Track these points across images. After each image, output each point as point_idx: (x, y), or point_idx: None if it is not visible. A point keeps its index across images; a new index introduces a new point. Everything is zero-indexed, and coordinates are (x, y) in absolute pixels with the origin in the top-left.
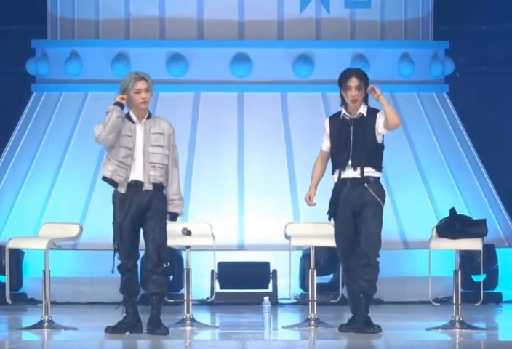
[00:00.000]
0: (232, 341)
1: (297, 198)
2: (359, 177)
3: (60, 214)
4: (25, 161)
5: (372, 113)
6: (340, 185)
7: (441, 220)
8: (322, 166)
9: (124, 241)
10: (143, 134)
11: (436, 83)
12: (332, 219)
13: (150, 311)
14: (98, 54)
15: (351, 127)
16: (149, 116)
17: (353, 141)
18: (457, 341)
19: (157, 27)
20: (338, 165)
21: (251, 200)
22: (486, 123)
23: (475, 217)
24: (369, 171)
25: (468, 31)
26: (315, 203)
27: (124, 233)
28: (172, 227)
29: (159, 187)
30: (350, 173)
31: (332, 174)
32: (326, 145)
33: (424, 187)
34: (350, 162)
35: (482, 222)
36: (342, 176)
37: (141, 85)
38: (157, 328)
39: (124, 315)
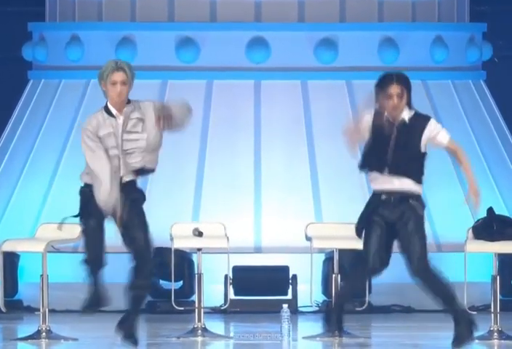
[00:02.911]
0: None
1: (319, 196)
2: (397, 190)
3: (59, 213)
4: (21, 154)
5: (420, 120)
6: (375, 199)
7: (478, 221)
8: None
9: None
10: (123, 124)
11: (473, 70)
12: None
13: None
14: (101, 38)
15: (395, 131)
16: (128, 102)
17: (394, 147)
18: None
19: (165, 8)
20: (373, 168)
21: (269, 198)
22: None
23: None
24: (409, 184)
25: (508, 12)
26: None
27: None
28: (182, 228)
29: (142, 173)
30: (386, 183)
31: (364, 172)
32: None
33: (459, 185)
34: (387, 169)
35: None
36: (377, 187)
37: (117, 77)
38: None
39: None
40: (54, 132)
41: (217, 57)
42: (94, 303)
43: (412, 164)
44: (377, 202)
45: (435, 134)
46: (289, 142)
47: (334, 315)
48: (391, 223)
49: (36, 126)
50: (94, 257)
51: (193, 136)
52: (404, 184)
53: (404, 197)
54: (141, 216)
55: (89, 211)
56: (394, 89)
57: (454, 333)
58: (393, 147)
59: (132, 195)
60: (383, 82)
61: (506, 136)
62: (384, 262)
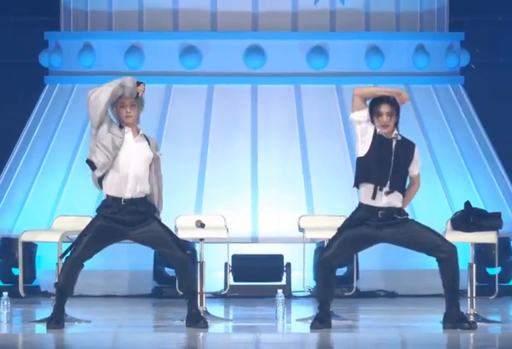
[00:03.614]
0: (245, 334)
1: (310, 190)
2: (394, 207)
3: (73, 206)
4: (38, 153)
5: (408, 142)
6: (368, 214)
7: (456, 213)
8: None
9: None
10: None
11: (452, 75)
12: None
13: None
14: (111, 46)
15: (393, 146)
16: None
17: (395, 161)
18: (471, 334)
19: (170, 18)
20: (374, 180)
21: (265, 193)
22: (502, 116)
23: (490, 210)
24: (396, 201)
25: (484, 22)
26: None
27: None
28: (186, 220)
29: None
30: (385, 198)
31: (358, 186)
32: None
33: (439, 180)
34: (389, 183)
35: (497, 215)
36: (374, 203)
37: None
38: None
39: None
40: (68, 132)
41: (217, 64)
42: (54, 323)
43: (405, 180)
44: (365, 214)
45: (415, 160)
46: (283, 142)
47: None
48: (374, 232)
49: (51, 127)
50: (67, 284)
51: (196, 136)
52: (391, 201)
53: (391, 212)
54: (166, 229)
55: (93, 233)
56: (385, 108)
57: (449, 313)
58: (394, 162)
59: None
60: (376, 101)
61: (482, 136)
62: (339, 261)
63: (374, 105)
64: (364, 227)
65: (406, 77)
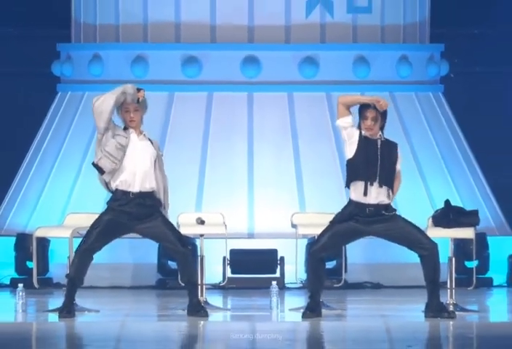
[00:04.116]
0: (242, 322)
1: (303, 190)
2: (382, 204)
3: (83, 204)
4: (51, 155)
5: (391, 142)
6: (357, 210)
7: (437, 211)
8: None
9: None
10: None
11: (432, 84)
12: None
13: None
14: (118, 57)
15: (378, 146)
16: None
17: (381, 159)
18: (451, 322)
19: (173, 31)
20: (363, 178)
21: (260, 192)
22: (479, 121)
23: (468, 208)
24: (384, 197)
25: (462, 35)
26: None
27: None
28: (187, 217)
29: None
30: (373, 195)
31: (349, 186)
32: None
33: (421, 181)
34: (377, 179)
35: (474, 213)
36: (363, 200)
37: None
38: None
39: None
40: (78, 136)
41: (216, 73)
42: (66, 312)
43: (392, 176)
44: (354, 210)
45: (399, 158)
46: (277, 145)
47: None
48: (362, 227)
49: (63, 131)
50: (78, 274)
51: (196, 139)
52: (379, 197)
53: (379, 209)
54: (169, 225)
55: (104, 225)
56: (370, 113)
57: (430, 303)
58: (381, 159)
59: (153, 208)
60: (363, 107)
61: (460, 139)
62: (328, 253)
63: (362, 109)
64: (353, 222)
65: (390, 85)
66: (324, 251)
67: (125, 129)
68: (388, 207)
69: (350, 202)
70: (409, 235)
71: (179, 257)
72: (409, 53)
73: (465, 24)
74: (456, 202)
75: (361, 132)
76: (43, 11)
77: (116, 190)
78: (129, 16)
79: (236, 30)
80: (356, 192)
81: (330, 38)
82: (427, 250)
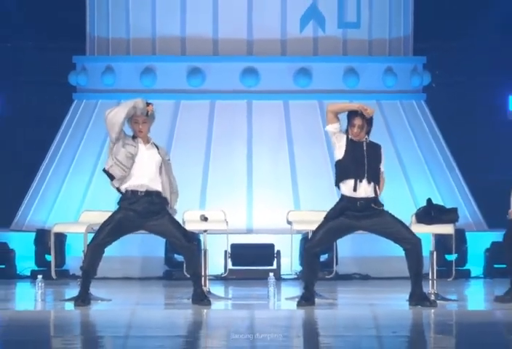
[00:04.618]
0: (242, 310)
1: (297, 189)
2: (370, 197)
3: (96, 203)
4: (68, 158)
5: (375, 144)
6: (349, 204)
7: (420, 209)
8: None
9: None
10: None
11: (415, 93)
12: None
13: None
14: (129, 68)
15: (364, 147)
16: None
17: (368, 159)
18: (432, 310)
19: (178, 44)
20: (353, 176)
21: (258, 191)
22: (458, 127)
23: (448, 206)
24: (372, 192)
25: (443, 48)
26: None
27: None
28: (192, 214)
29: None
30: (362, 190)
31: (339, 184)
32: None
33: (405, 181)
34: (366, 176)
35: (454, 210)
36: (354, 195)
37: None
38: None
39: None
40: (93, 141)
41: (218, 83)
42: (81, 301)
43: (378, 174)
44: (346, 205)
45: (383, 158)
46: (274, 149)
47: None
48: (353, 222)
49: (79, 136)
50: (91, 267)
51: (200, 144)
52: (368, 192)
53: (368, 202)
54: (175, 223)
55: (116, 221)
56: (357, 121)
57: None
58: (367, 159)
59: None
60: (351, 115)
61: (441, 143)
62: (322, 248)
63: (350, 117)
64: (344, 218)
65: (377, 94)
66: (319, 247)
67: (134, 137)
68: (376, 201)
69: (342, 197)
70: (395, 230)
71: (184, 251)
72: (394, 65)
73: (446, 38)
74: (437, 200)
75: (348, 136)
76: (60, 26)
77: (126, 190)
78: (139, 31)
79: (236, 43)
80: (347, 188)
81: (322, 51)
82: (411, 244)
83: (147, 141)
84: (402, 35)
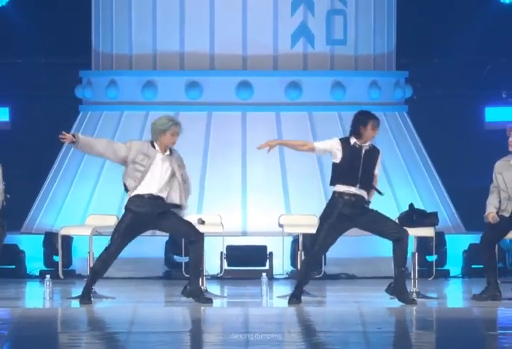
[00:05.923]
0: (237, 308)
1: (288, 194)
2: (362, 196)
3: (101, 207)
4: (74, 165)
5: (375, 149)
6: (344, 201)
7: (402, 213)
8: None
9: None
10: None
11: (398, 105)
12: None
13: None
14: (131, 82)
15: (362, 154)
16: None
17: (363, 166)
18: (414, 308)
19: (177, 60)
20: (347, 181)
21: (252, 196)
22: (438, 136)
23: (428, 210)
24: (365, 194)
25: (424, 63)
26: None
27: None
28: (190, 218)
29: None
30: (354, 191)
31: (334, 184)
32: (320, 147)
33: (388, 187)
34: (358, 184)
35: (434, 214)
36: (347, 192)
37: (178, 130)
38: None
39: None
40: None
41: (214, 95)
42: (86, 299)
43: (371, 180)
44: (339, 200)
45: (379, 163)
46: (266, 156)
47: (299, 281)
48: (348, 220)
49: None
50: (102, 269)
51: (197, 152)
52: (360, 192)
53: (360, 200)
54: (181, 218)
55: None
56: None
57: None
58: (362, 166)
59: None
60: (375, 120)
61: (422, 151)
62: (325, 250)
63: (375, 121)
64: (339, 221)
65: (362, 106)
66: (323, 251)
67: (153, 146)
68: (367, 202)
69: (334, 193)
70: (385, 224)
71: (193, 240)
72: (379, 79)
73: (427, 54)
74: (418, 205)
75: (349, 141)
76: (67, 42)
77: (135, 194)
78: (141, 47)
79: (231, 58)
80: (340, 188)
81: (311, 66)
82: (399, 236)
83: (165, 150)
84: (386, 52)
